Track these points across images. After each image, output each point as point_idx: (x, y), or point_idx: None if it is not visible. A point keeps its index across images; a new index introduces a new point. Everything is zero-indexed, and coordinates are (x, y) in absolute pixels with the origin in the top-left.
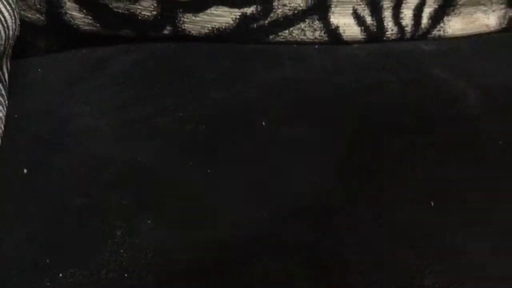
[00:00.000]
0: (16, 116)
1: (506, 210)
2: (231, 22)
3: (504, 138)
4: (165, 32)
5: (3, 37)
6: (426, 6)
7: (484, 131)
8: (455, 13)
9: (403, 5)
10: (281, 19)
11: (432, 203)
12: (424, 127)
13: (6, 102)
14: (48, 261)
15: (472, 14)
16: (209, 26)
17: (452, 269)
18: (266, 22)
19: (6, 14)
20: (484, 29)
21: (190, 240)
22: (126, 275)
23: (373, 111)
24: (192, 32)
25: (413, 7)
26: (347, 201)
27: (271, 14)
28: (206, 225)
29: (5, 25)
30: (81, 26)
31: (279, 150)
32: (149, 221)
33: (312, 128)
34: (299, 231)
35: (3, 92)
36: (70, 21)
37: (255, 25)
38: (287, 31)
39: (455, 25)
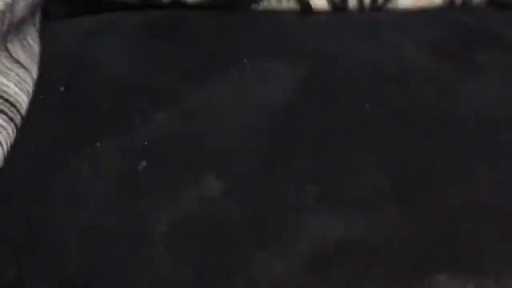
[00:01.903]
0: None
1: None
2: None
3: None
4: (164, 0)
5: None
6: None
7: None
8: None
9: None
10: None
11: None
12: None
13: (40, 44)
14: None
15: None
16: None
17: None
18: None
19: None
20: (431, 4)
21: (196, 128)
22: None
23: (329, 54)
24: (188, 1)
25: None
26: (304, 102)
27: None
28: (206, 117)
29: None
30: None
31: (257, 77)
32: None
33: (282, 65)
34: (268, 119)
35: (37, 33)
36: None
37: None
38: (266, 1)
39: (405, 2)
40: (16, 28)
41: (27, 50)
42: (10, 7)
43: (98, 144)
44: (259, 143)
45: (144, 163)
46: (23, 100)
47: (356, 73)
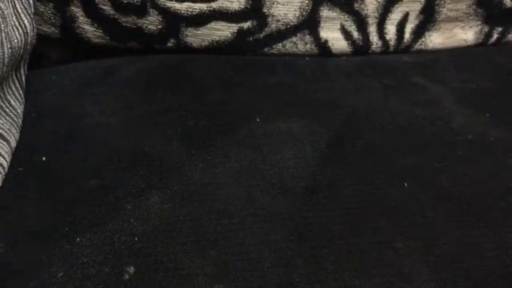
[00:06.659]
0: (33, 114)
1: (472, 191)
2: (229, 35)
3: (472, 132)
4: (169, 44)
5: (23, 41)
6: (408, 22)
7: (455, 128)
8: (435, 29)
9: (386, 21)
10: (275, 33)
11: (406, 184)
12: (401, 124)
13: (23, 100)
14: (67, 229)
15: (451, 30)
16: (209, 39)
17: (421, 236)
18: (261, 35)
19: (26, 22)
20: (462, 44)
21: (191, 211)
22: (136, 238)
23: (356, 110)
24: (194, 44)
25: (396, 23)
26: (329, 182)
27: (266, 29)
28: (205, 198)
29: (25, 31)
30: (92, 38)
31: (271, 140)
32: (156, 197)
33: (301, 124)
34: (286, 204)
35: (20, 91)
36: (82, 34)
37: (251, 38)
38: (280, 44)
39: (435, 40)
40: None
41: (8, 113)
42: None
43: (77, 239)
44: (274, 244)
45: (131, 269)
46: None
47: (391, 137)
